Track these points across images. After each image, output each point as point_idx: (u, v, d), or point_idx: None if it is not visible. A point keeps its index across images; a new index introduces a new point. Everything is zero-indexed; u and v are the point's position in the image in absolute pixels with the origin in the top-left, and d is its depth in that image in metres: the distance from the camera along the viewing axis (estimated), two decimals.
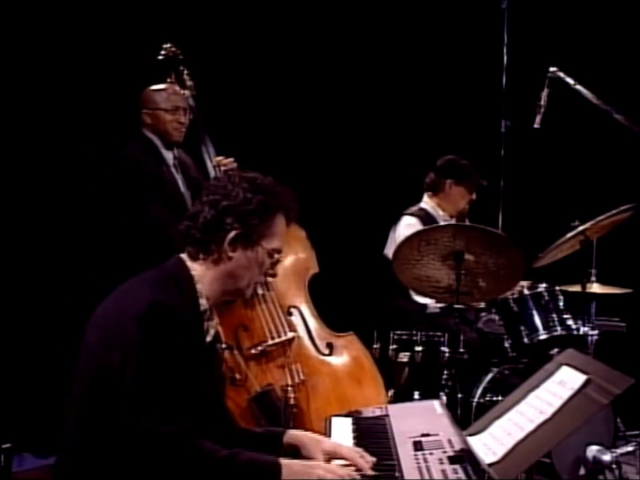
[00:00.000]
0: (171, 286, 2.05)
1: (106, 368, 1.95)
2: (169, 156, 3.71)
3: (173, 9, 4.56)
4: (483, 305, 4.42)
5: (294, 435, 2.25)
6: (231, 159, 3.70)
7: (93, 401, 1.98)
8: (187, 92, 3.77)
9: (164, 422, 1.91)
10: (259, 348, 3.40)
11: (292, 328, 3.50)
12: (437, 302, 4.27)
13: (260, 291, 3.49)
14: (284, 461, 2.01)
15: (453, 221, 4.60)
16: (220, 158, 3.69)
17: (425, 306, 4.36)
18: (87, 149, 4.22)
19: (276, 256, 2.21)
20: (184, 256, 2.14)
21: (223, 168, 3.67)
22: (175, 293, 2.03)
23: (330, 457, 2.11)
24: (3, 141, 4.10)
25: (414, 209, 4.59)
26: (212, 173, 3.68)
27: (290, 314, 3.56)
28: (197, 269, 2.11)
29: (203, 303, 2.11)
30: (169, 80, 3.77)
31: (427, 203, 4.62)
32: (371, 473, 2.00)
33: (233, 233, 2.09)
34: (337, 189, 5.21)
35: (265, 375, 3.37)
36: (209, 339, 2.17)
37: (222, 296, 2.18)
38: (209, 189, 2.16)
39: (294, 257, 3.72)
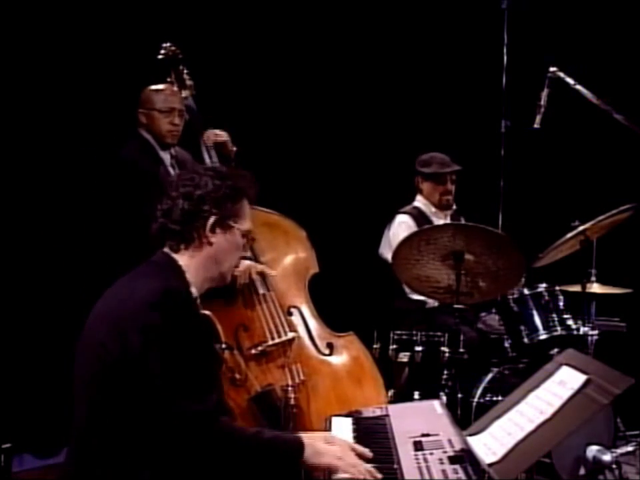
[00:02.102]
0: (171, 275, 2.13)
1: (121, 359, 1.97)
2: (166, 156, 3.71)
3: (173, 8, 4.55)
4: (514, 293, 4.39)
5: None
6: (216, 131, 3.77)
7: (110, 393, 1.99)
8: (186, 91, 3.77)
9: (195, 401, 1.97)
10: (259, 348, 3.40)
11: (292, 328, 3.50)
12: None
13: (260, 291, 3.50)
14: (307, 440, 2.05)
15: (448, 218, 4.62)
16: (210, 131, 3.74)
17: (423, 302, 4.37)
18: (86, 149, 4.22)
19: (247, 237, 2.30)
20: (167, 250, 2.21)
21: (214, 139, 3.72)
22: (177, 281, 2.12)
23: None
24: (3, 140, 4.10)
25: (407, 207, 4.62)
26: None
27: (290, 314, 3.56)
28: (182, 259, 2.18)
29: (194, 291, 2.19)
30: (168, 79, 3.77)
31: (419, 201, 4.65)
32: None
33: (212, 219, 2.17)
34: (337, 189, 5.21)
35: (265, 375, 3.37)
36: None
37: (206, 283, 2.24)
38: (176, 184, 2.23)
39: (294, 256, 3.72)
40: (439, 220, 4.58)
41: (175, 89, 3.74)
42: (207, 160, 3.72)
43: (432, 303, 4.36)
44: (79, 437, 2.07)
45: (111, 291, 2.16)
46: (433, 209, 4.62)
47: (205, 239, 2.17)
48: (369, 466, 2.01)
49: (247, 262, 3.49)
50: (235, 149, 3.83)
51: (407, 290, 4.34)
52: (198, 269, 2.19)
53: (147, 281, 2.08)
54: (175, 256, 2.18)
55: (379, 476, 1.98)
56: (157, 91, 3.70)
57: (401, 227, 4.45)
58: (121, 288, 2.14)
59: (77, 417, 2.09)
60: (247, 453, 2.02)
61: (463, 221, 4.61)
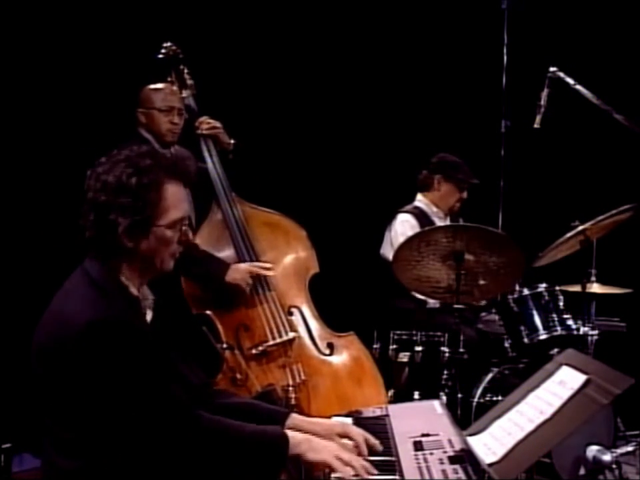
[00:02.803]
0: (97, 293, 1.99)
1: (74, 395, 1.92)
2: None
3: (173, 7, 4.56)
4: (483, 303, 4.41)
5: (303, 420, 2.22)
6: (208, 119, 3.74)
7: (71, 420, 1.95)
8: (187, 91, 3.77)
9: (163, 411, 1.92)
10: (260, 348, 3.40)
11: (293, 328, 3.51)
12: None
13: (261, 291, 3.50)
14: (292, 435, 2.01)
15: (447, 218, 4.61)
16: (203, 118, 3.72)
17: (424, 302, 4.37)
18: (86, 149, 4.21)
19: (181, 224, 2.09)
20: (94, 256, 2.08)
21: (205, 128, 3.70)
22: (106, 297, 1.99)
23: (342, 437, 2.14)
24: (2, 141, 4.10)
25: (408, 207, 4.59)
26: (212, 172, 3.68)
27: (290, 314, 3.57)
28: (111, 263, 2.05)
29: (133, 291, 2.08)
30: (168, 79, 3.77)
31: (420, 201, 4.62)
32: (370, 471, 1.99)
33: (121, 228, 1.99)
34: (337, 189, 5.21)
35: (265, 375, 3.38)
36: (149, 318, 2.15)
37: (144, 278, 2.12)
38: (89, 181, 2.06)
39: (294, 256, 3.72)
40: (440, 220, 4.56)
41: (174, 87, 3.73)
42: (206, 154, 3.71)
43: (433, 303, 4.35)
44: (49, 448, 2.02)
45: (46, 320, 2.05)
46: (435, 209, 4.59)
47: (122, 246, 2.02)
48: (365, 463, 1.99)
49: (245, 265, 3.49)
50: (232, 141, 3.82)
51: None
52: (128, 271, 2.07)
53: (76, 307, 1.96)
54: (106, 264, 2.05)
55: (374, 471, 1.97)
56: (155, 90, 3.69)
57: (404, 225, 4.42)
58: (54, 318, 2.02)
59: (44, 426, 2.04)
60: (228, 446, 1.97)
61: (461, 222, 4.61)
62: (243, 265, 3.49)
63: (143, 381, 1.92)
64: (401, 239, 4.13)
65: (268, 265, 3.53)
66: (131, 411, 1.91)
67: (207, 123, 3.74)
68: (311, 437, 2.06)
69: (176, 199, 2.07)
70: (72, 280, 2.10)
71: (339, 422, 2.28)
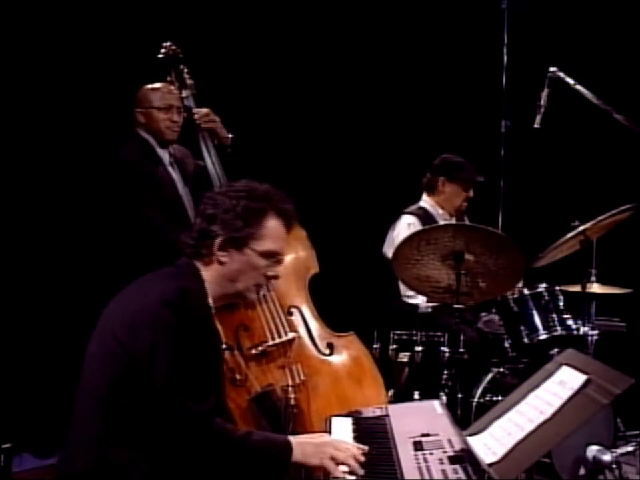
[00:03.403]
0: (190, 279, 2.19)
1: (135, 354, 2.03)
2: (164, 155, 3.71)
3: (172, 7, 4.56)
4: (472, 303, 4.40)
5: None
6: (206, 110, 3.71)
7: (116, 385, 2.05)
8: (187, 91, 3.76)
9: (195, 402, 2.03)
10: (260, 348, 3.40)
11: (292, 328, 3.50)
12: (427, 301, 4.28)
13: (261, 291, 3.50)
14: (295, 441, 2.13)
15: (453, 220, 4.59)
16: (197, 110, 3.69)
17: (416, 306, 4.36)
18: (86, 149, 4.22)
19: (273, 258, 2.29)
20: (188, 259, 2.27)
21: (203, 121, 3.67)
22: (196, 284, 2.19)
23: None
24: (2, 140, 4.10)
25: (413, 207, 4.58)
26: (210, 170, 3.68)
27: (290, 314, 3.56)
28: (202, 270, 2.24)
29: (210, 302, 2.24)
30: (168, 78, 3.76)
31: (425, 201, 4.61)
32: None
33: (219, 239, 2.21)
34: (338, 188, 5.21)
35: (265, 376, 3.37)
36: None
37: (224, 298, 2.30)
38: (205, 201, 2.29)
39: (294, 256, 3.72)
40: (445, 221, 4.53)
41: (172, 86, 3.73)
42: (204, 151, 3.70)
43: (425, 308, 4.35)
44: (78, 427, 2.12)
45: (132, 289, 2.22)
46: (440, 211, 4.57)
47: (216, 258, 2.22)
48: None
49: None
50: (230, 135, 3.81)
51: (402, 293, 4.35)
52: (214, 284, 2.24)
53: (166, 281, 2.15)
54: (198, 264, 2.25)
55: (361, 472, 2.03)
56: (153, 89, 3.70)
57: (407, 228, 4.38)
58: (141, 284, 2.22)
59: (78, 409, 2.13)
60: (235, 453, 2.08)
61: (467, 220, 4.61)
62: None
63: (201, 362, 2.06)
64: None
65: None
66: (177, 387, 2.01)
67: (205, 115, 3.71)
68: (305, 441, 2.15)
69: (275, 234, 2.27)
70: (164, 269, 2.26)
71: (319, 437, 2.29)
